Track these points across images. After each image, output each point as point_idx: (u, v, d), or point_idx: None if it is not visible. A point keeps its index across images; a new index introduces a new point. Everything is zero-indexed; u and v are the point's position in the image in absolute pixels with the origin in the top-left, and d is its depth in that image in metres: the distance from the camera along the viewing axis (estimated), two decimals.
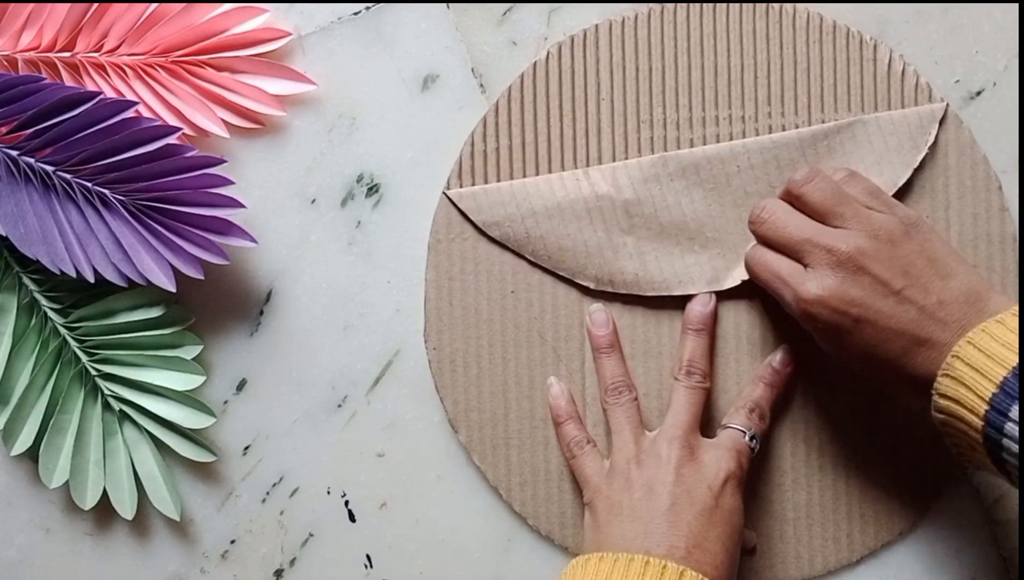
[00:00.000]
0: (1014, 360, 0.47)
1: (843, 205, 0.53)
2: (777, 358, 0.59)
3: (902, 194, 0.59)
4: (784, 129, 0.60)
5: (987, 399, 0.47)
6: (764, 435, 0.58)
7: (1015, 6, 0.60)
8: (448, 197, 0.60)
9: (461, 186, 0.60)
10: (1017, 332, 0.48)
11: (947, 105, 0.60)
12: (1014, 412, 0.46)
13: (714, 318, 0.59)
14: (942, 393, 0.49)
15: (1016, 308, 0.49)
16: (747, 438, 0.57)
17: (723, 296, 0.59)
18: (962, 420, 0.48)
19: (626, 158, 0.60)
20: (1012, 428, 0.46)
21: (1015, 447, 0.46)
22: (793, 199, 0.54)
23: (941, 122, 0.59)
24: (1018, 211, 0.60)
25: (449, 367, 0.61)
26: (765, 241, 0.54)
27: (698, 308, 0.59)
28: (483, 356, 0.61)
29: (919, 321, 0.50)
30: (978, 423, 0.47)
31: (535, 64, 0.60)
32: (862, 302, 0.50)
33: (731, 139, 0.60)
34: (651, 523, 0.52)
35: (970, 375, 0.48)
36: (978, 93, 0.61)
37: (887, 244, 0.51)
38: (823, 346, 0.53)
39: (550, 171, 0.60)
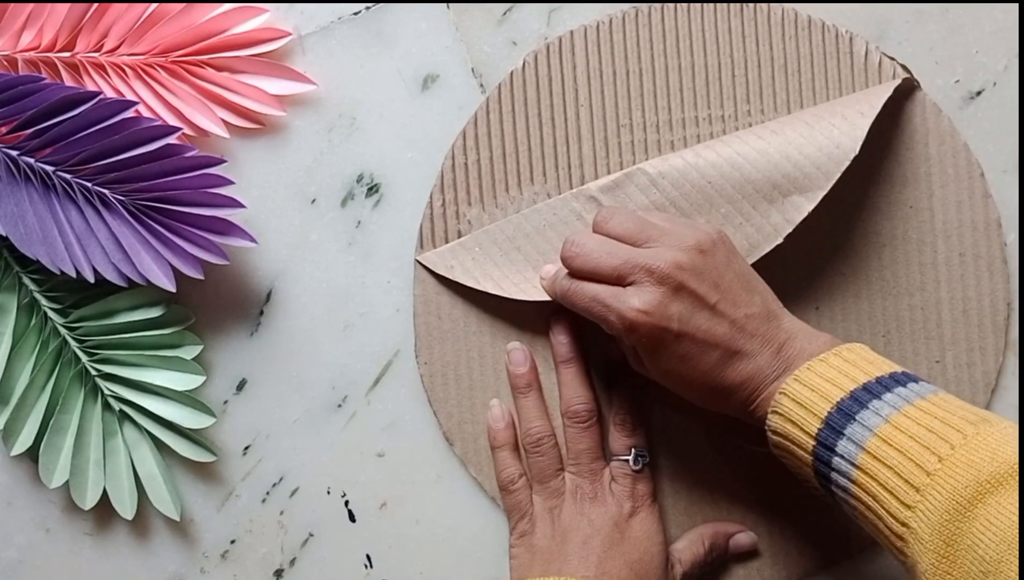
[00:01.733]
0: (837, 395, 0.49)
1: (648, 229, 0.54)
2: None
3: (885, 185, 0.59)
4: None
5: (813, 435, 0.49)
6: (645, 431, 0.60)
7: (1015, 6, 0.60)
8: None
9: (443, 197, 0.60)
10: (840, 370, 0.50)
11: (917, 82, 0.59)
12: (840, 447, 0.48)
13: (577, 343, 0.59)
14: (773, 429, 0.51)
15: (839, 348, 0.51)
16: (631, 463, 0.58)
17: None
18: (793, 455, 0.51)
19: (607, 162, 0.60)
20: (839, 462, 0.48)
21: (842, 480, 0.48)
22: (601, 233, 0.55)
23: (920, 111, 0.59)
24: (1018, 212, 0.60)
25: (441, 381, 0.61)
26: (580, 274, 0.55)
27: (561, 338, 0.60)
28: (474, 368, 0.61)
29: (731, 334, 0.52)
30: (808, 458, 0.50)
31: (512, 74, 0.60)
32: (681, 317, 0.51)
33: (711, 139, 0.59)
34: (567, 558, 0.56)
35: (796, 411, 0.50)
36: (978, 93, 0.61)
37: (699, 255, 0.52)
38: (643, 363, 0.54)
39: (532, 180, 0.60)
